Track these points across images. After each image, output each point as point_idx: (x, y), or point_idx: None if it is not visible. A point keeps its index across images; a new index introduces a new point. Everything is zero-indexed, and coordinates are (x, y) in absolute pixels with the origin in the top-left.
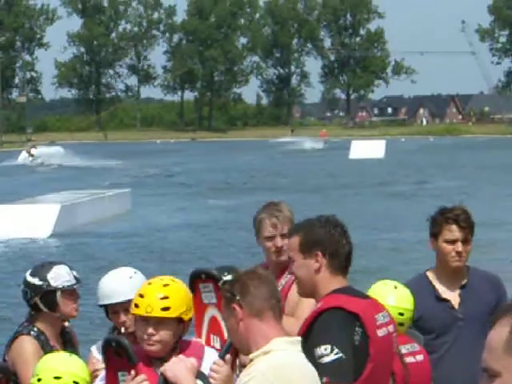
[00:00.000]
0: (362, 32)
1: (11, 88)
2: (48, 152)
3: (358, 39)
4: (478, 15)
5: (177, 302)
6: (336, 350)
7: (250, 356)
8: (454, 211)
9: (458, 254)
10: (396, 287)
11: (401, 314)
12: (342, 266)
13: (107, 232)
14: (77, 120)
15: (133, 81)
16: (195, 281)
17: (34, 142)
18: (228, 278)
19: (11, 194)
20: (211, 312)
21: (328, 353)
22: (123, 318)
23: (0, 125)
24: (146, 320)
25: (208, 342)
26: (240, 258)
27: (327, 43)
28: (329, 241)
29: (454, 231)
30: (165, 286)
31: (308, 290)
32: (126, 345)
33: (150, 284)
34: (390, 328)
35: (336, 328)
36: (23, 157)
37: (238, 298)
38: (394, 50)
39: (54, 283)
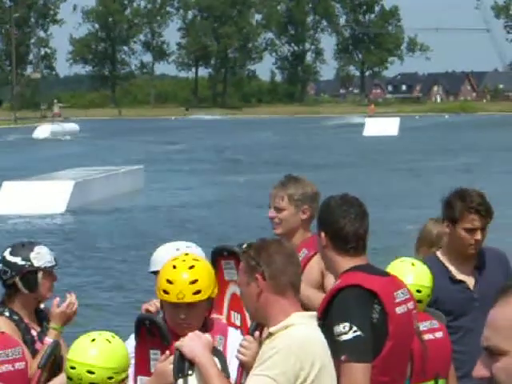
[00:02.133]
0: (376, 9)
1: (25, 64)
2: (62, 128)
3: (372, 16)
4: None
5: (206, 283)
6: (354, 328)
7: (271, 330)
8: (474, 199)
9: (476, 241)
10: (413, 264)
11: (418, 291)
12: (349, 247)
13: (121, 208)
14: (91, 96)
15: (147, 57)
16: (217, 258)
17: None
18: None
19: (25, 169)
20: (232, 289)
21: (347, 331)
22: None
23: (14, 101)
24: (177, 305)
25: (229, 319)
26: (260, 234)
27: (342, 20)
28: (330, 221)
29: (475, 221)
30: (191, 268)
31: (326, 265)
32: (160, 325)
33: (175, 268)
34: (410, 305)
35: (354, 306)
36: (38, 132)
37: (263, 268)
38: (409, 27)
39: (36, 263)
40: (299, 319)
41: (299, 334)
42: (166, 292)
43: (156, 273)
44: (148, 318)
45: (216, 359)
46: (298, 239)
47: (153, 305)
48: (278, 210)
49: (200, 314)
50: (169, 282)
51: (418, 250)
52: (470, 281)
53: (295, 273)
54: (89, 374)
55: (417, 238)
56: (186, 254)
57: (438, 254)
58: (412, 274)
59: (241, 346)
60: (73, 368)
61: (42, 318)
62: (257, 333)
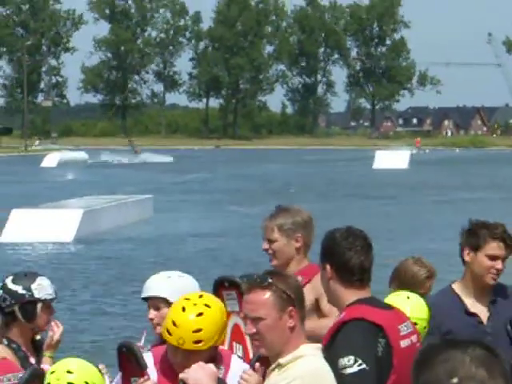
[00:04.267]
0: (387, 42)
1: (37, 92)
2: (72, 157)
3: (383, 49)
4: (504, 27)
5: (210, 334)
6: (359, 362)
7: (281, 361)
8: (499, 228)
9: (497, 271)
10: (408, 297)
11: (415, 324)
12: (354, 279)
13: (129, 238)
14: (102, 125)
15: (158, 87)
16: (219, 288)
17: (134, 140)
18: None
19: (34, 197)
20: (234, 320)
21: (351, 364)
22: (151, 314)
23: (25, 129)
24: (177, 349)
25: (231, 350)
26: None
27: (353, 53)
28: (336, 254)
29: (499, 248)
30: (199, 315)
31: (328, 298)
32: (134, 351)
33: (184, 310)
34: (414, 338)
35: (359, 339)
36: (48, 161)
37: (294, 301)
38: (420, 60)
39: (37, 294)
40: (309, 350)
41: (311, 366)
42: (169, 333)
43: (146, 299)
44: (125, 345)
45: None
46: (295, 267)
47: None
48: (271, 241)
49: (198, 360)
50: (174, 324)
51: (391, 284)
52: (484, 314)
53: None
54: (68, 374)
55: (393, 270)
56: (201, 296)
57: (454, 286)
58: (408, 306)
59: (241, 378)
60: (52, 373)
61: (37, 347)
62: (257, 364)
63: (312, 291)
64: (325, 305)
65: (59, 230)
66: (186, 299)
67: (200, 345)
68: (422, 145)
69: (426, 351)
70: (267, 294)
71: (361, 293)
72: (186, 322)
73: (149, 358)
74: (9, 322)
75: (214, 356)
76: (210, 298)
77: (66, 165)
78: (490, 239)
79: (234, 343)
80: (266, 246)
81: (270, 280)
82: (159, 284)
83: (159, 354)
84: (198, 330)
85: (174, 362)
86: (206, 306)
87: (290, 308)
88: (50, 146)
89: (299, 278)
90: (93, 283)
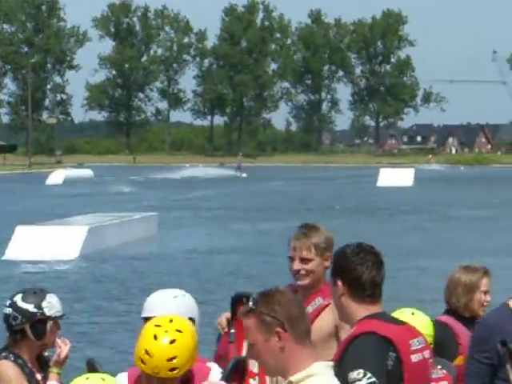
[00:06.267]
0: (392, 60)
1: (41, 110)
2: (78, 174)
3: (388, 67)
4: (509, 45)
5: (184, 360)
6: (369, 375)
7: (292, 379)
8: None
9: None
10: (413, 314)
11: None
12: (365, 295)
13: (134, 255)
14: (106, 143)
15: (163, 104)
16: (237, 304)
17: (241, 157)
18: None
19: (39, 214)
20: None
21: (361, 377)
22: None
23: (29, 146)
24: (152, 377)
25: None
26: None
27: (358, 70)
28: (347, 270)
29: None
30: (172, 342)
31: (339, 315)
32: None
33: (156, 339)
34: (426, 354)
35: (369, 352)
36: (52, 178)
37: (281, 321)
38: (424, 78)
39: (47, 312)
40: (321, 369)
41: None
42: (142, 362)
43: (146, 319)
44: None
45: None
46: (318, 287)
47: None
48: (306, 260)
49: None
50: (147, 353)
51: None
52: None
53: (308, 318)
54: None
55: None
56: (171, 321)
57: (510, 302)
58: (413, 323)
59: None
60: None
61: (43, 363)
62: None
63: (335, 314)
64: (343, 336)
65: (64, 247)
66: (157, 326)
67: (175, 372)
68: (426, 162)
69: None
70: (251, 320)
71: (372, 308)
72: (160, 351)
73: (123, 378)
74: (17, 339)
75: (188, 376)
76: (180, 321)
77: (72, 182)
78: None
79: (251, 360)
80: (298, 265)
81: (251, 306)
82: (163, 303)
83: (134, 374)
84: (173, 358)
85: None
86: (178, 331)
87: (277, 329)
88: None
89: (319, 299)
90: (97, 300)
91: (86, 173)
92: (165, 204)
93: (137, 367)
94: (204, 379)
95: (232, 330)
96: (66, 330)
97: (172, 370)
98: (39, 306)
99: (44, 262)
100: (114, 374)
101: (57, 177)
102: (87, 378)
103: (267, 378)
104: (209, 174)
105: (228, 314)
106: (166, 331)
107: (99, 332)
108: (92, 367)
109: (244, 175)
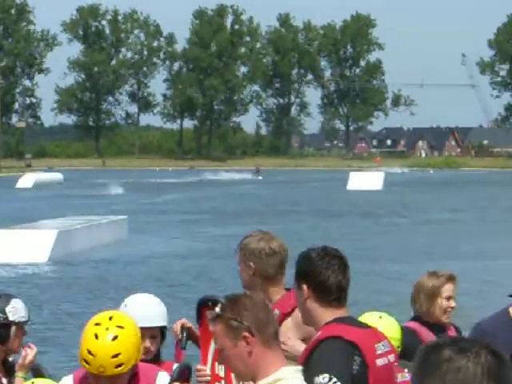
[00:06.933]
0: (362, 63)
1: (11, 113)
2: (48, 178)
3: (357, 70)
4: (478, 49)
5: (129, 355)
6: (334, 379)
7: (260, 383)
8: None
9: None
10: (381, 317)
11: None
12: (332, 299)
13: (103, 258)
14: (76, 146)
15: (133, 108)
16: (202, 308)
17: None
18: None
19: (8, 218)
20: None
21: (326, 381)
22: (147, 343)
23: None
24: (99, 377)
25: (213, 370)
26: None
27: (327, 74)
28: (313, 274)
29: None
30: (114, 339)
31: (304, 319)
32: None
33: (97, 338)
34: (391, 357)
35: (334, 357)
36: (22, 182)
37: (248, 325)
38: (394, 81)
39: (11, 317)
40: (290, 373)
41: None
42: (86, 362)
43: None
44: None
45: None
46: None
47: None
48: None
49: (123, 383)
50: (90, 353)
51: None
52: None
53: (274, 322)
54: None
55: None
56: (111, 318)
57: (511, 309)
58: (380, 326)
59: None
60: None
61: (8, 368)
62: None
63: (298, 330)
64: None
65: (33, 251)
66: (97, 324)
67: (121, 368)
68: (398, 165)
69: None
70: (218, 326)
71: (338, 312)
72: (103, 349)
73: (69, 381)
74: None
75: (135, 373)
76: (120, 317)
77: (42, 186)
78: None
79: (217, 363)
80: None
81: (218, 312)
82: (155, 312)
83: (80, 376)
84: (117, 355)
85: None
86: (119, 327)
87: (244, 334)
88: None
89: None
90: (67, 304)
91: (56, 176)
92: (133, 208)
93: (82, 368)
94: (148, 382)
95: (185, 335)
96: (32, 334)
97: (118, 366)
98: (3, 311)
99: (13, 266)
100: None
101: (26, 180)
102: (32, 383)
103: (233, 382)
104: (227, 177)
105: (183, 321)
106: (107, 328)
107: (67, 336)
108: (38, 372)
109: (260, 178)
